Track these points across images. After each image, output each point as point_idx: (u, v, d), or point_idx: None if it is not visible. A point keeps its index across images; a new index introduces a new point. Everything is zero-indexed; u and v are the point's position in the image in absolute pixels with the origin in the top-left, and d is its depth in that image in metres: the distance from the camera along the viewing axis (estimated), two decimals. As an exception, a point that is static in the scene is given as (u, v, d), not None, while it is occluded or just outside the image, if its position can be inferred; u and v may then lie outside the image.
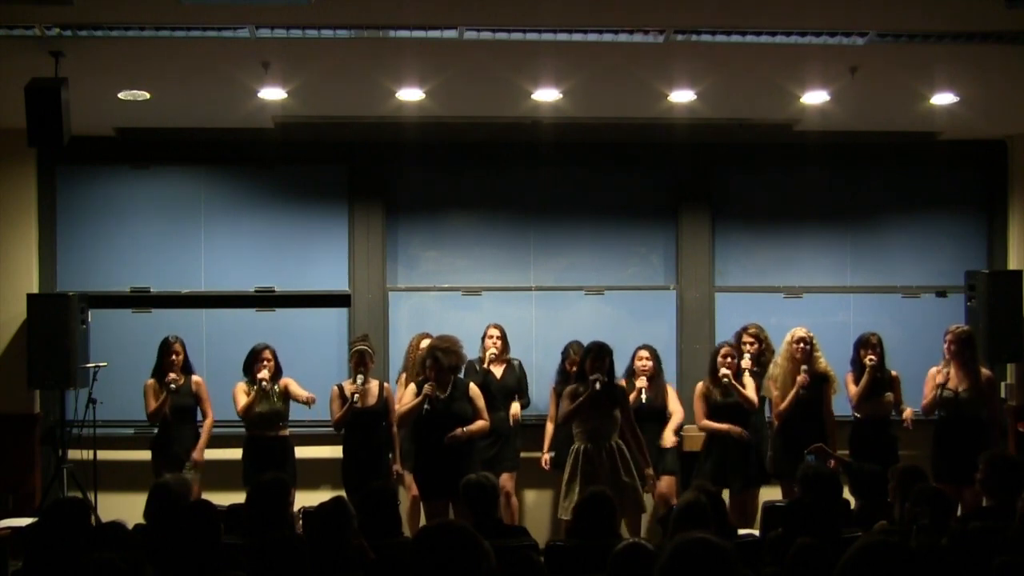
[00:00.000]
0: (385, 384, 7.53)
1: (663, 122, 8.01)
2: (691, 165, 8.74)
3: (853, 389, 7.54)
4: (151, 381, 7.46)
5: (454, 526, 2.85)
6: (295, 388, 7.51)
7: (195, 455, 7.45)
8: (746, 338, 7.72)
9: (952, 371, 7.44)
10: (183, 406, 7.48)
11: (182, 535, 4.20)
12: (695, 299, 8.67)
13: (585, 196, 8.74)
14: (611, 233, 8.72)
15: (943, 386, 7.39)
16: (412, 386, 7.03)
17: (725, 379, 7.36)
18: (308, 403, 7.45)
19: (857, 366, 7.56)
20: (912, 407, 7.72)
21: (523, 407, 7.92)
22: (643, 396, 7.57)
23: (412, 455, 7.51)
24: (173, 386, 7.38)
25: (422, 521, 7.60)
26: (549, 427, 7.86)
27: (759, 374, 7.65)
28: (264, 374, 7.31)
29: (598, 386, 6.79)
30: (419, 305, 8.60)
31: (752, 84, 7.20)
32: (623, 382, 7.59)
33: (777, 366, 7.58)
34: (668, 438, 7.72)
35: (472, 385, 7.16)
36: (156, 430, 7.53)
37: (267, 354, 7.40)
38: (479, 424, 7.00)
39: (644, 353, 7.75)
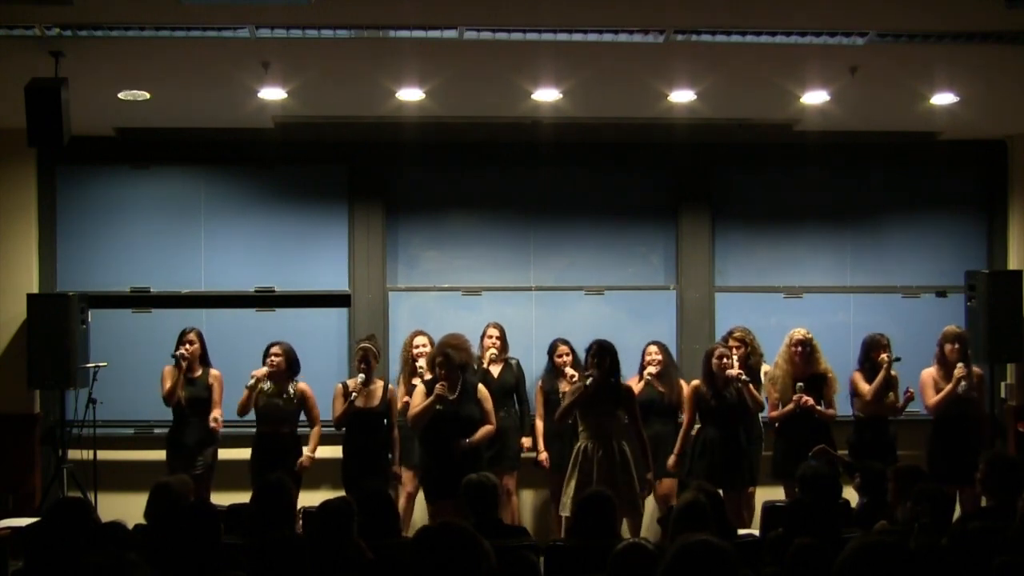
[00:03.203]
0: (390, 386, 7.53)
1: (663, 122, 8.01)
2: (691, 165, 8.74)
3: (865, 388, 7.50)
4: (168, 367, 7.41)
5: (454, 526, 2.85)
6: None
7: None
8: (732, 342, 7.67)
9: (955, 371, 7.41)
10: (198, 398, 7.44)
11: (182, 535, 4.20)
12: (695, 299, 8.67)
13: (585, 196, 8.74)
14: (611, 233, 8.72)
15: (961, 380, 7.34)
16: (422, 386, 7.02)
17: (741, 376, 7.30)
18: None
19: (866, 366, 7.53)
20: (913, 407, 7.71)
21: (521, 409, 7.94)
22: (657, 388, 7.57)
23: (412, 453, 7.50)
24: (183, 362, 7.34)
25: (415, 520, 7.62)
26: (539, 424, 7.85)
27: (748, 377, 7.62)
28: (260, 371, 7.30)
29: (589, 382, 6.81)
30: (419, 305, 8.60)
31: (752, 84, 7.20)
32: (635, 379, 7.61)
33: (778, 367, 7.57)
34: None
35: (481, 387, 7.15)
36: (170, 425, 7.47)
37: (275, 350, 7.39)
38: (485, 430, 7.00)
39: (653, 348, 7.74)
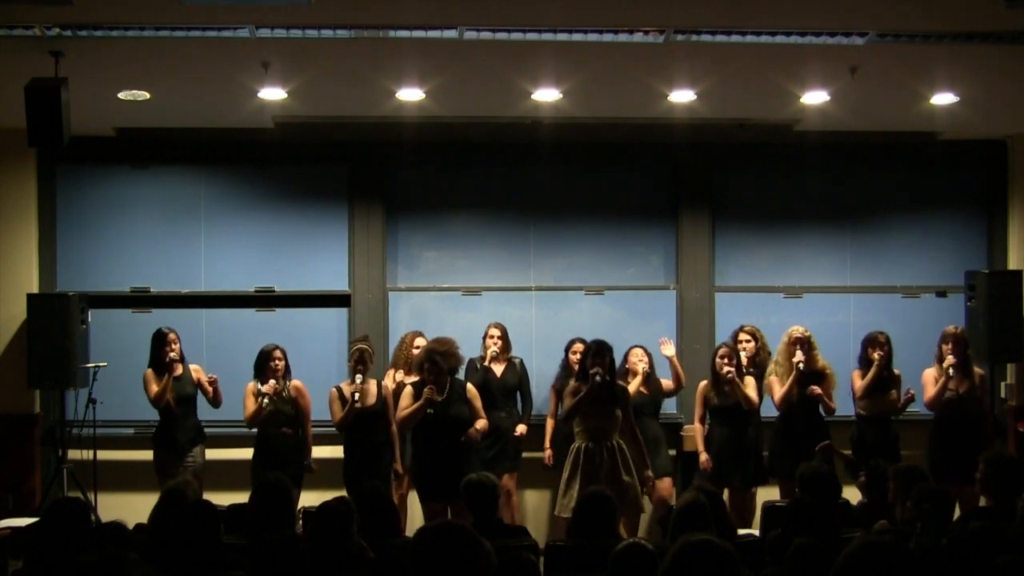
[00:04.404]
0: (384, 383, 7.53)
1: (663, 122, 8.01)
2: (691, 165, 8.73)
3: (857, 385, 7.54)
4: (149, 371, 7.40)
5: (454, 526, 2.84)
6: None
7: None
8: (742, 336, 7.73)
9: (944, 362, 7.44)
10: (187, 395, 7.45)
11: (182, 535, 4.20)
12: (695, 299, 8.67)
13: (585, 196, 8.73)
14: (611, 233, 8.72)
15: (949, 378, 7.38)
16: (409, 388, 7.01)
17: (729, 375, 7.37)
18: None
19: (864, 364, 7.56)
20: (914, 407, 7.72)
21: (524, 406, 7.95)
22: (642, 390, 7.61)
23: (408, 454, 7.50)
24: (175, 364, 7.42)
25: (409, 518, 7.62)
26: (550, 423, 7.91)
27: (756, 374, 7.65)
28: (270, 385, 7.29)
29: (598, 379, 6.80)
30: (419, 305, 8.60)
31: (752, 84, 7.20)
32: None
33: (778, 365, 7.58)
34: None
35: (470, 386, 7.15)
36: (158, 423, 7.47)
37: (277, 354, 7.39)
38: (482, 423, 7.01)
39: (639, 351, 7.77)
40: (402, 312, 8.58)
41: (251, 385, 7.36)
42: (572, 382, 7.15)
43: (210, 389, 7.52)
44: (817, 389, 7.41)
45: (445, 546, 2.73)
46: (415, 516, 7.69)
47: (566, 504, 6.77)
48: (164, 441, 7.40)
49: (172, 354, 7.38)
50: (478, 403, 7.06)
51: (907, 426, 7.74)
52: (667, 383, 7.91)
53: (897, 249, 8.86)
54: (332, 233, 8.56)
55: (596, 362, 6.89)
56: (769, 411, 7.72)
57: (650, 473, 7.06)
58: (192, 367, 7.56)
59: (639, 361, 7.71)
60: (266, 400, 7.25)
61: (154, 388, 7.34)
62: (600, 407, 6.87)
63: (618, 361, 7.64)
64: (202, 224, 8.51)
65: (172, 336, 7.44)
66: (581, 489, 6.68)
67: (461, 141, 8.55)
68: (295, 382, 7.47)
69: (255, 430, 7.41)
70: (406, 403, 6.93)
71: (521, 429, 7.85)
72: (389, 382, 7.57)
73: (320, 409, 7.56)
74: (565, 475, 6.93)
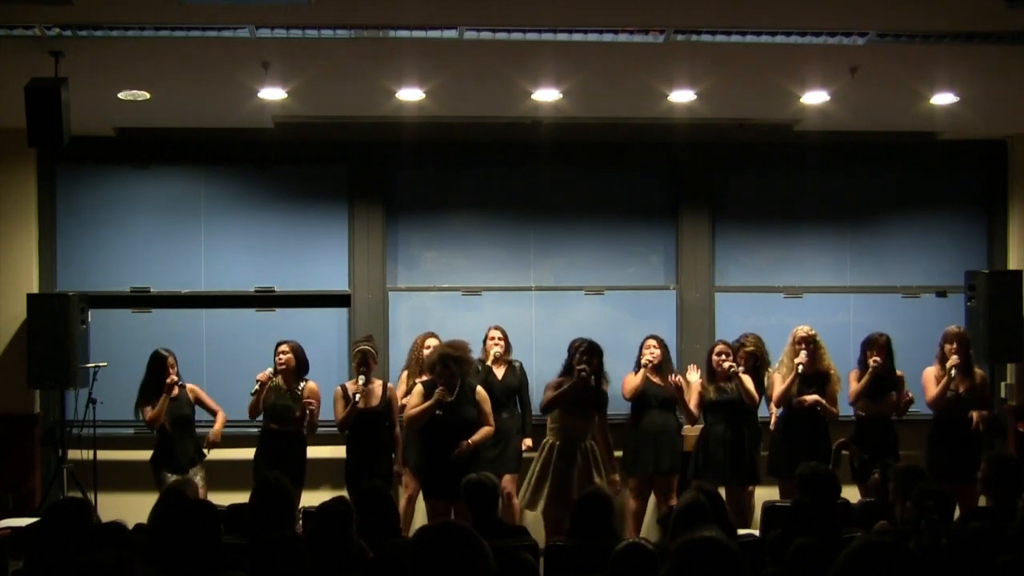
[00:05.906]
0: (389, 384, 7.53)
1: (663, 122, 8.01)
2: (691, 165, 8.74)
3: (852, 387, 7.54)
4: (150, 410, 7.29)
5: (454, 526, 2.84)
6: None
7: (212, 436, 7.40)
8: (742, 352, 7.64)
9: (947, 363, 7.44)
10: (183, 416, 7.39)
11: (182, 535, 4.20)
12: (695, 299, 8.67)
13: (585, 196, 8.73)
14: (611, 233, 8.72)
15: (952, 379, 7.38)
16: (419, 387, 7.01)
17: (733, 371, 7.36)
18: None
19: (863, 366, 7.55)
20: (914, 407, 7.72)
21: (523, 412, 7.94)
22: (654, 380, 7.58)
23: (414, 453, 7.50)
24: (176, 388, 7.35)
25: (417, 520, 7.62)
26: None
27: (754, 380, 7.63)
28: (265, 373, 7.30)
29: (583, 374, 6.82)
30: (419, 305, 8.60)
31: (752, 84, 7.20)
32: (632, 374, 7.61)
33: (783, 365, 7.58)
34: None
35: (480, 388, 7.14)
36: (156, 441, 7.40)
37: (282, 348, 7.39)
38: (484, 431, 6.98)
39: (652, 341, 7.70)
40: (402, 312, 8.57)
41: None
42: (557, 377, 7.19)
43: (210, 402, 7.52)
44: (810, 398, 7.40)
45: (445, 546, 2.73)
46: (421, 516, 7.70)
47: (535, 500, 6.89)
48: (166, 463, 7.33)
49: (173, 378, 7.33)
50: (487, 407, 7.04)
51: (907, 426, 7.73)
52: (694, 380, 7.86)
53: (897, 249, 8.86)
54: (332, 233, 8.55)
55: (583, 360, 6.94)
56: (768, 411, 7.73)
57: (616, 477, 7.12)
58: (189, 386, 7.50)
59: (647, 354, 7.64)
60: (256, 387, 7.24)
61: (149, 412, 7.24)
62: (581, 408, 6.93)
63: (621, 361, 7.67)
64: (202, 224, 8.51)
65: (171, 360, 7.36)
66: (552, 489, 6.80)
67: (461, 141, 8.55)
68: (311, 384, 7.44)
69: (256, 429, 7.42)
70: (415, 401, 6.94)
71: (528, 443, 7.84)
72: (403, 386, 7.56)
73: (325, 409, 7.56)
74: (536, 468, 6.98)
